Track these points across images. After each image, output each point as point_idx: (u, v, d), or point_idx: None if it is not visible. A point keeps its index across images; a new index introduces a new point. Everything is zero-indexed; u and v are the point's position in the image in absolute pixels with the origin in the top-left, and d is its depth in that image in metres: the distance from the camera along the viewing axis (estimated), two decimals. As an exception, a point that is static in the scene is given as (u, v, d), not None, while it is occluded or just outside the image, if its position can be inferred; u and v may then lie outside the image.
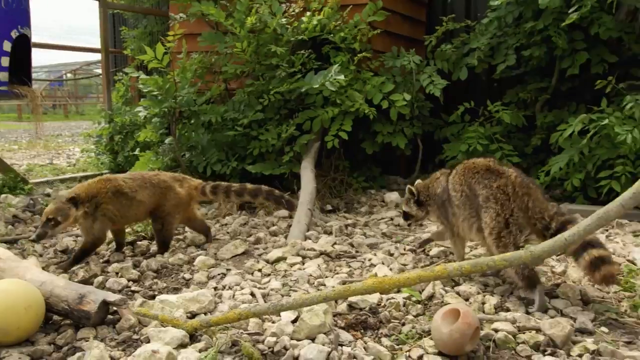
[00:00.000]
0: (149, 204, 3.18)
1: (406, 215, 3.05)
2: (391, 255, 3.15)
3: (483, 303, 2.40)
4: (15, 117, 21.16)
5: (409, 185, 3.00)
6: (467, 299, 2.47)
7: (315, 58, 4.43)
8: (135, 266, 2.95)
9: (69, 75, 21.40)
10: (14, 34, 3.90)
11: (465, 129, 4.78)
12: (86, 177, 5.78)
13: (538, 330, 2.10)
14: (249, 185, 3.41)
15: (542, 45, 4.48)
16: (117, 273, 2.84)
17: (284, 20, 4.39)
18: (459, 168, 2.77)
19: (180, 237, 3.54)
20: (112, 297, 2.20)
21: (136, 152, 5.07)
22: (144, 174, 3.30)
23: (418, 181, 3.06)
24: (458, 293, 2.52)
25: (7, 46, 3.86)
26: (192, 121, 4.37)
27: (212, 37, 4.55)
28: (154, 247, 3.33)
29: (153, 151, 4.64)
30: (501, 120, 4.58)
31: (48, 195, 4.97)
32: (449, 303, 2.38)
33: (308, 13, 4.49)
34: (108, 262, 3.09)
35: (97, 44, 6.32)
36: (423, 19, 5.86)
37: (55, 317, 2.28)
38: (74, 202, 2.94)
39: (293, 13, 4.53)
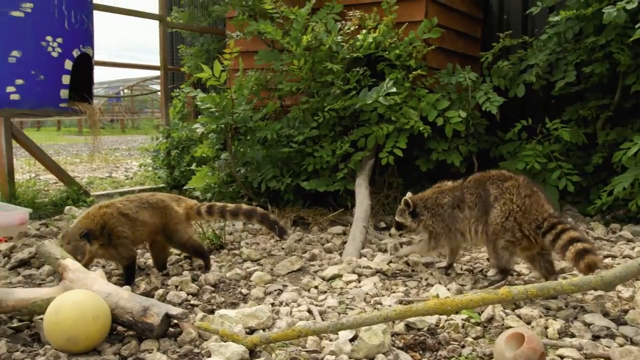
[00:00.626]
0: (152, 224, 3.12)
1: (400, 226, 3.20)
2: (448, 274, 3.10)
3: (546, 327, 2.33)
4: (76, 131, 22.02)
5: (405, 197, 3.15)
6: (528, 323, 2.40)
7: (370, 75, 4.44)
8: (193, 280, 3.00)
9: (126, 91, 22.16)
10: (75, 52, 4.07)
11: (522, 146, 4.69)
12: (144, 190, 5.97)
13: (607, 358, 2.02)
14: (244, 206, 3.35)
15: (604, 62, 4.36)
16: (176, 286, 2.90)
17: (339, 38, 4.43)
18: (476, 176, 3.05)
19: (237, 252, 3.59)
20: (174, 310, 2.24)
21: (192, 167, 5.18)
22: (140, 196, 3.23)
23: (409, 194, 3.22)
24: (519, 316, 2.46)
25: (68, 65, 4.02)
26: (248, 137, 4.44)
27: (269, 54, 4.63)
28: (211, 261, 3.38)
29: (209, 166, 4.74)
30: (560, 138, 4.47)
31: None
32: (510, 326, 2.32)
33: (363, 31, 4.51)
34: (168, 275, 3.16)
35: (151, 61, 6.53)
36: (478, 36, 5.81)
37: (120, 328, 2.34)
38: (87, 238, 2.86)
39: (348, 31, 4.56)
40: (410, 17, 4.74)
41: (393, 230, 3.27)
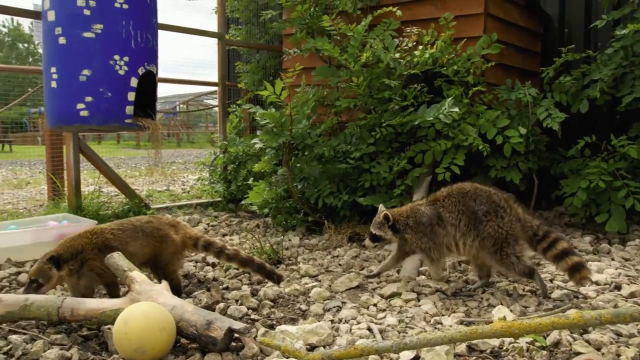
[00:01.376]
0: (143, 254, 2.96)
1: (376, 238, 3.24)
2: (509, 295, 3.02)
3: (618, 355, 2.23)
4: (134, 144, 22.74)
5: (385, 211, 3.20)
6: (598, 349, 2.31)
7: (427, 91, 4.42)
8: (253, 294, 3.04)
9: (182, 106, 22.75)
10: (140, 70, 4.22)
11: (586, 164, 4.54)
12: (201, 204, 6.10)
13: (686, 389, 1.93)
14: (242, 253, 3.13)
15: (675, 76, 4.20)
16: (236, 300, 2.94)
17: (397, 54, 4.43)
18: (446, 193, 3.15)
19: (295, 267, 3.61)
20: (237, 325, 2.27)
21: (249, 182, 5.26)
22: (135, 222, 3.03)
23: (382, 206, 3.30)
24: (588, 341, 2.37)
25: (133, 82, 4.17)
26: (306, 153, 4.48)
27: (326, 71, 4.67)
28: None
29: (266, 181, 4.80)
30: (627, 155, 4.31)
31: (168, 220, 5.27)
32: (578, 352, 2.24)
33: (420, 47, 4.50)
34: (227, 288, 3.21)
35: (204, 76, 6.70)
36: (538, 50, 5.70)
37: (183, 341, 2.39)
38: (54, 262, 2.75)
39: (406, 47, 4.56)
40: (469, 33, 4.69)
41: (368, 242, 3.34)
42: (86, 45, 3.98)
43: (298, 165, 4.60)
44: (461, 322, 2.63)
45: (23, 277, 3.38)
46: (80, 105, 4.01)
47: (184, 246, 3.10)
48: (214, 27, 6.42)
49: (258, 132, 4.71)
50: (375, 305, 2.90)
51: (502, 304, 2.85)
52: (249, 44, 7.19)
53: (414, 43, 4.62)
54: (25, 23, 48.31)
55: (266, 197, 4.59)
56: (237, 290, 3.12)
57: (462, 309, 2.84)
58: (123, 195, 5.76)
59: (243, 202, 5.23)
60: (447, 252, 3.16)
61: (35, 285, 2.73)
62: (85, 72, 3.99)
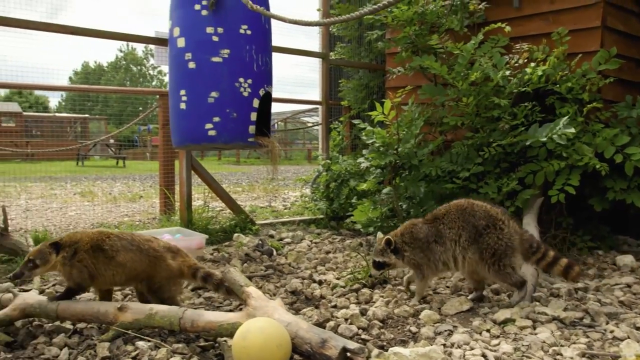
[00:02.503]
0: (131, 268, 2.89)
1: (381, 265, 3.31)
2: (637, 328, 2.82)
3: None
4: (234, 160, 23.63)
5: (386, 237, 3.28)
6: None
7: (538, 110, 4.26)
8: (362, 314, 3.04)
9: (280, 124, 23.41)
10: (261, 92, 4.40)
11: None
12: (303, 221, 6.21)
13: None
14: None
15: None
16: (346, 319, 2.95)
17: (507, 72, 4.31)
18: (445, 211, 3.26)
19: (402, 288, 3.58)
20: (351, 344, 2.28)
21: (353, 200, 5.29)
22: (135, 237, 2.98)
23: (379, 234, 3.43)
24: None
25: (255, 103, 4.36)
26: (413, 172, 4.45)
27: (433, 89, 4.63)
28: (376, 296, 3.41)
29: (370, 200, 4.81)
30: None
31: (272, 236, 5.41)
32: None
33: (532, 63, 4.35)
34: (336, 307, 3.23)
35: (301, 95, 6.86)
36: (661, 64, 5.33)
37: (296, 357, 2.43)
38: (55, 247, 2.83)
39: (516, 65, 4.43)
40: (584, 48, 4.49)
41: (374, 271, 3.41)
42: (214, 69, 4.22)
43: (403, 184, 4.58)
44: (583, 355, 2.49)
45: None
46: (208, 125, 4.25)
47: (180, 274, 2.98)
48: (309, 46, 6.59)
49: (364, 151, 4.73)
50: (488, 331, 2.81)
51: (629, 337, 2.66)
52: (351, 63, 7.28)
53: (525, 60, 4.48)
54: (139, 47, 51.84)
55: (371, 216, 4.59)
56: (346, 309, 3.14)
57: (583, 340, 2.69)
58: (230, 211, 5.98)
59: (347, 220, 5.27)
60: (442, 268, 3.25)
61: (31, 265, 2.82)
62: (214, 94, 4.23)
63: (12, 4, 6.14)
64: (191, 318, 2.60)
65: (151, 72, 53.52)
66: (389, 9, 4.92)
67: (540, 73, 4.25)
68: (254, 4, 3.95)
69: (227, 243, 5.08)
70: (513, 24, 4.72)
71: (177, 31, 4.44)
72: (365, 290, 3.51)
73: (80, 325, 2.88)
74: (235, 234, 5.22)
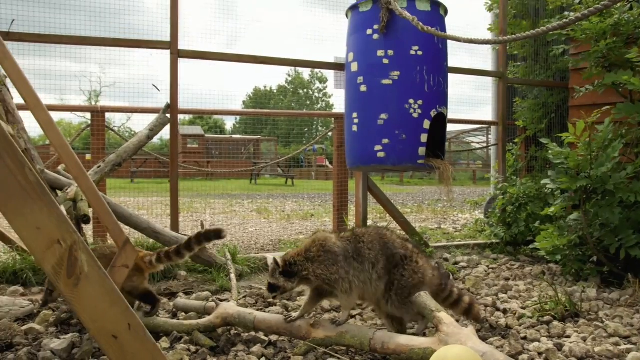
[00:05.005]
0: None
1: (273, 287, 2.89)
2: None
3: None
4: (398, 181, 23.70)
5: (274, 257, 2.88)
6: None
7: None
8: (557, 349, 2.84)
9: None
10: (432, 113, 4.37)
11: None
12: (478, 245, 6.02)
13: None
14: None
15: None
16: (540, 354, 2.78)
17: None
18: (364, 231, 2.96)
19: (599, 323, 3.29)
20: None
21: (533, 225, 5.01)
22: (105, 246, 3.41)
23: (288, 253, 2.96)
24: None
25: (426, 124, 4.34)
26: (607, 198, 4.10)
27: (630, 108, 4.24)
28: (570, 330, 3.17)
29: (555, 226, 4.51)
30: None
31: (446, 259, 5.31)
32: None
33: None
34: (525, 338, 3.07)
35: (464, 114, 6.66)
36: None
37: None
38: None
39: None
40: None
41: (267, 293, 3.03)
42: (384, 92, 4.30)
43: (594, 210, 4.23)
44: None
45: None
46: (377, 147, 4.33)
47: (138, 269, 3.16)
48: (472, 64, 6.42)
49: (550, 172, 4.46)
50: None
51: None
52: (530, 81, 6.96)
53: None
54: (305, 72, 54.61)
55: (557, 243, 4.30)
56: (537, 342, 2.96)
57: None
58: (404, 232, 5.99)
59: (524, 246, 5.00)
60: (361, 286, 2.86)
61: (49, 292, 3.23)
62: (383, 116, 4.30)
63: (192, 36, 6.83)
64: (382, 339, 2.63)
65: (317, 94, 55.99)
66: (579, 23, 4.62)
67: None
68: (426, 25, 3.94)
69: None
70: None
71: (351, 56, 4.60)
72: (557, 323, 3.28)
73: (272, 337, 3.06)
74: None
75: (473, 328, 2.59)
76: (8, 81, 4.07)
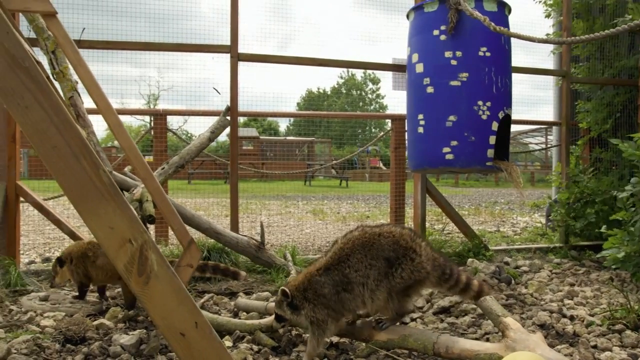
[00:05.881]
0: (109, 270, 3.49)
1: (280, 318, 2.82)
2: None
3: None
4: (452, 182, 23.35)
5: (283, 287, 2.76)
6: None
7: None
8: None
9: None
10: (500, 114, 4.28)
11: None
12: (539, 249, 5.85)
13: None
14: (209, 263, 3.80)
15: None
16: (611, 363, 2.68)
17: None
18: (349, 250, 2.74)
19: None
20: (630, 393, 2.06)
21: (599, 230, 4.82)
22: None
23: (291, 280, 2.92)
24: None
25: (494, 126, 4.26)
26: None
27: None
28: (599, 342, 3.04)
29: (624, 231, 4.33)
30: None
31: (507, 263, 5.18)
32: None
33: None
34: (596, 347, 2.95)
35: (520, 114, 6.49)
36: None
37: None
38: (59, 262, 3.61)
39: None
40: None
41: (275, 323, 2.90)
42: (452, 93, 4.25)
43: (667, 214, 4.04)
44: None
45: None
46: (445, 149, 4.28)
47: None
48: (528, 62, 6.25)
49: (632, 179, 4.28)
50: None
51: None
52: (595, 80, 6.71)
53: None
54: (358, 73, 54.51)
55: (625, 250, 4.13)
56: (609, 351, 2.85)
57: None
58: (458, 233, 5.89)
59: (597, 255, 4.81)
60: (347, 314, 2.81)
61: (52, 277, 3.69)
62: (451, 117, 4.25)
63: (247, 40, 6.91)
64: (445, 344, 2.59)
65: (370, 96, 55.81)
66: (650, 19, 4.43)
67: None
68: (496, 25, 3.87)
69: (461, 268, 4.98)
70: None
71: (415, 57, 4.55)
72: (630, 332, 3.15)
73: (334, 339, 3.06)
74: (470, 259, 5.10)
75: (541, 334, 2.52)
76: (79, 87, 4.24)
